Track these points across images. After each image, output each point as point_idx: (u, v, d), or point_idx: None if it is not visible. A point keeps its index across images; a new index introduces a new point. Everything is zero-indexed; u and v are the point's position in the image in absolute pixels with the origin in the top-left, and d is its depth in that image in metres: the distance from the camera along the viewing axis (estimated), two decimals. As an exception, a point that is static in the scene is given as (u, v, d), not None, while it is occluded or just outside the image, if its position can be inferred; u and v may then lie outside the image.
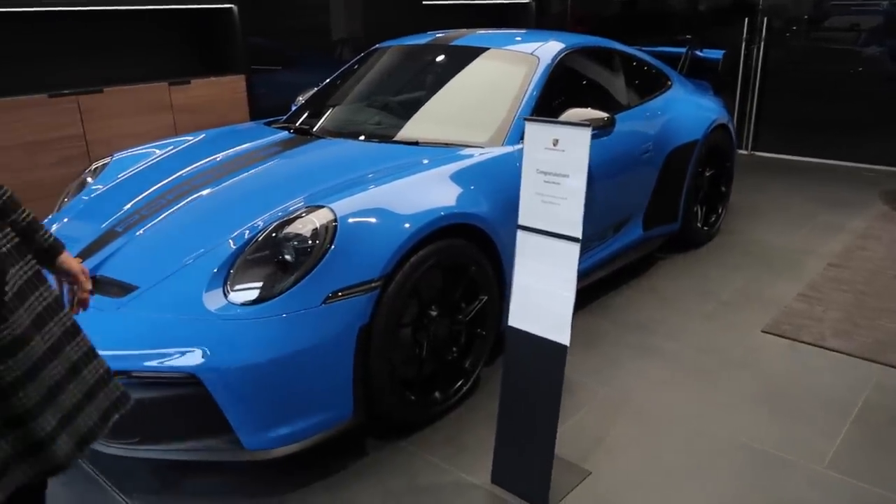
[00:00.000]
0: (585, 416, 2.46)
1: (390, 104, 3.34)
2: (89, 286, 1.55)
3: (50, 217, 2.79)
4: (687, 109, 3.91)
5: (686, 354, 2.89)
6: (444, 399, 2.46)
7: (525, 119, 1.92)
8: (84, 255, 2.32)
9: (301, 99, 3.79)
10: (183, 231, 2.32)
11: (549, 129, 1.85)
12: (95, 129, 4.09)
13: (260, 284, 2.02)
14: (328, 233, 2.08)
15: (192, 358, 1.91)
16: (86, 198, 2.75)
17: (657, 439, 2.32)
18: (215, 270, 2.07)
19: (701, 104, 4.08)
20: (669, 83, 4.04)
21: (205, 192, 2.50)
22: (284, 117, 3.52)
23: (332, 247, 2.05)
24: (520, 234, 1.99)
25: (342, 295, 2.04)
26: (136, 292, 2.09)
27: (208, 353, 1.91)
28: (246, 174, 2.61)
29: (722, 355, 2.87)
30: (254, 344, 1.93)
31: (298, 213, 2.15)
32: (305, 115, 3.41)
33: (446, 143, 2.80)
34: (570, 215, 1.84)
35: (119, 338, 1.98)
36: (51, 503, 1.96)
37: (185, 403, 1.96)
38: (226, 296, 2.01)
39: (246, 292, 2.01)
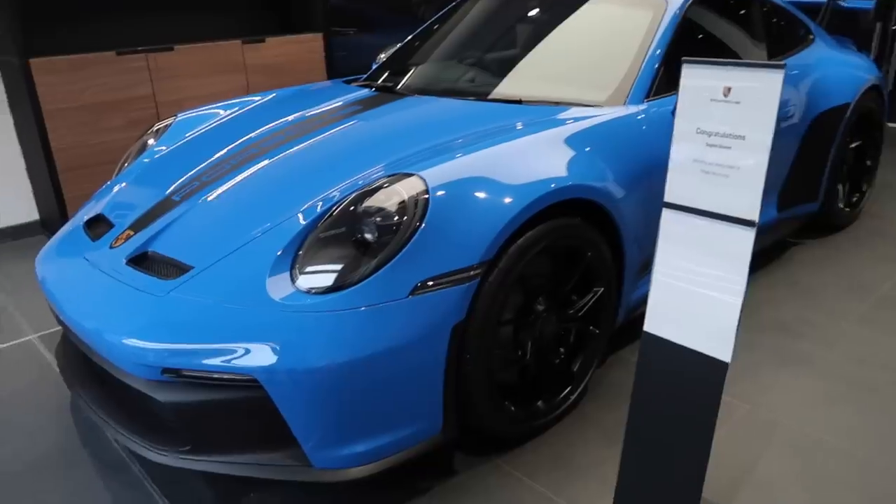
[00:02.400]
0: (725, 441, 1.99)
1: (486, 59, 2.90)
2: None
3: (108, 182, 2.51)
4: (834, 68, 3.28)
5: (844, 366, 2.35)
6: (548, 409, 2.05)
7: (684, 61, 1.45)
8: (136, 226, 2.01)
9: (383, 55, 3.39)
10: (247, 202, 1.96)
11: (719, 74, 1.37)
12: (165, 90, 3.84)
13: (335, 269, 1.64)
14: (418, 207, 1.67)
15: (252, 357, 1.56)
16: (146, 160, 2.45)
17: (824, 478, 1.83)
18: (280, 252, 1.70)
19: (849, 61, 3.44)
20: (811, 37, 3.41)
21: (274, 158, 2.14)
22: (365, 75, 3.13)
23: (423, 225, 1.65)
24: (666, 214, 1.53)
25: (433, 285, 1.64)
26: (190, 273, 1.75)
27: (270, 351, 1.55)
28: (321, 137, 2.23)
29: (893, 369, 2.32)
30: (325, 342, 1.56)
31: (381, 182, 1.76)
32: (389, 71, 3.01)
33: (556, 102, 2.34)
34: (746, 191, 1.36)
35: (168, 328, 1.65)
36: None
37: (242, 410, 1.62)
38: (293, 282, 1.65)
39: (317, 278, 1.64)
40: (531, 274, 1.87)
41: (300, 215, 1.79)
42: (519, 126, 2.11)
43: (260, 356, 1.56)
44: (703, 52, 2.65)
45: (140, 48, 3.74)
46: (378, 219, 1.67)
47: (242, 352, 1.57)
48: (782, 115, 2.89)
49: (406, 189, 1.72)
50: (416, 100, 2.51)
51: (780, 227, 3.16)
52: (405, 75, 2.89)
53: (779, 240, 3.23)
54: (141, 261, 1.89)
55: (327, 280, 1.63)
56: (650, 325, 1.58)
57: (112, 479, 1.92)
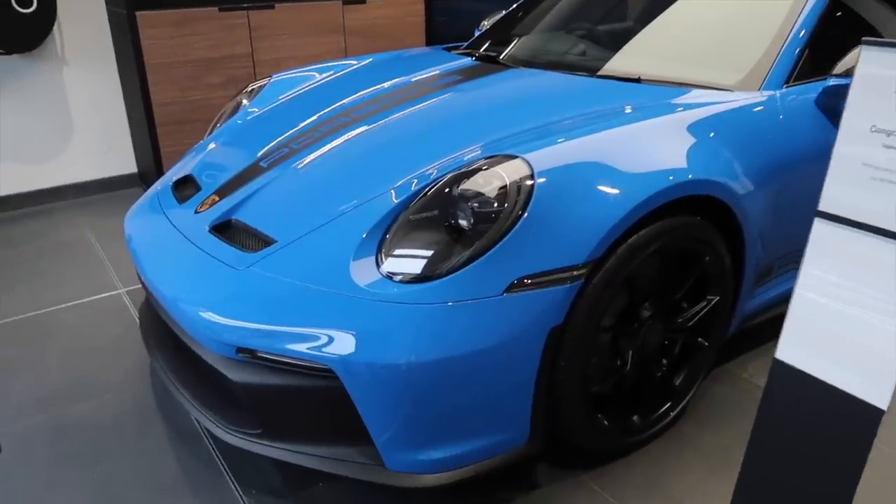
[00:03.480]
0: (866, 490, 1.73)
1: (599, 31, 2.66)
2: None
3: (200, 141, 2.46)
4: None
5: None
6: (644, 426, 1.85)
7: (864, 41, 1.19)
8: (222, 191, 1.93)
9: (486, 23, 3.19)
10: (336, 174, 1.84)
11: (911, 61, 1.11)
12: (264, 49, 3.78)
13: (424, 256, 1.50)
14: (521, 194, 1.50)
15: (330, 346, 1.44)
16: (239, 122, 2.38)
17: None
18: (366, 234, 1.57)
19: None
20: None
21: (367, 127, 2.01)
22: (466, 43, 2.94)
23: (525, 214, 1.48)
24: (819, 225, 1.29)
25: (531, 283, 1.47)
26: (272, 248, 1.65)
27: (350, 341, 1.44)
28: (417, 107, 2.08)
29: None
30: (409, 337, 1.43)
31: (481, 163, 1.59)
32: (492, 40, 2.81)
33: (679, 83, 2.08)
34: (933, 207, 1.11)
35: (245, 305, 1.56)
36: (160, 473, 1.70)
37: (317, 400, 1.52)
38: (378, 267, 1.52)
39: (405, 264, 1.50)
40: (639, 276, 1.67)
41: (392, 193, 1.66)
42: (636, 108, 1.88)
43: (338, 345, 1.44)
44: (843, 39, 2.31)
45: (242, 5, 3.70)
46: (475, 204, 1.51)
47: (320, 339, 1.46)
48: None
49: (508, 173, 1.54)
50: (521, 72, 2.31)
51: None
52: (510, 45, 2.69)
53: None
54: (224, 229, 1.81)
55: (415, 267, 1.49)
56: (785, 353, 1.35)
57: (182, 449, 1.88)
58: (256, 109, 2.43)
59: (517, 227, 1.47)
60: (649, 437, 1.87)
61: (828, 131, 2.05)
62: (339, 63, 2.66)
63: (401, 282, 1.48)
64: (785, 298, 2.21)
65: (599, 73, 2.24)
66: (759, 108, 1.94)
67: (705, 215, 1.75)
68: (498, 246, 1.46)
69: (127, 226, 2.10)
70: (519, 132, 1.77)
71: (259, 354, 1.53)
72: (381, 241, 1.56)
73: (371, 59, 2.68)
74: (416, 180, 1.66)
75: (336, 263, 1.55)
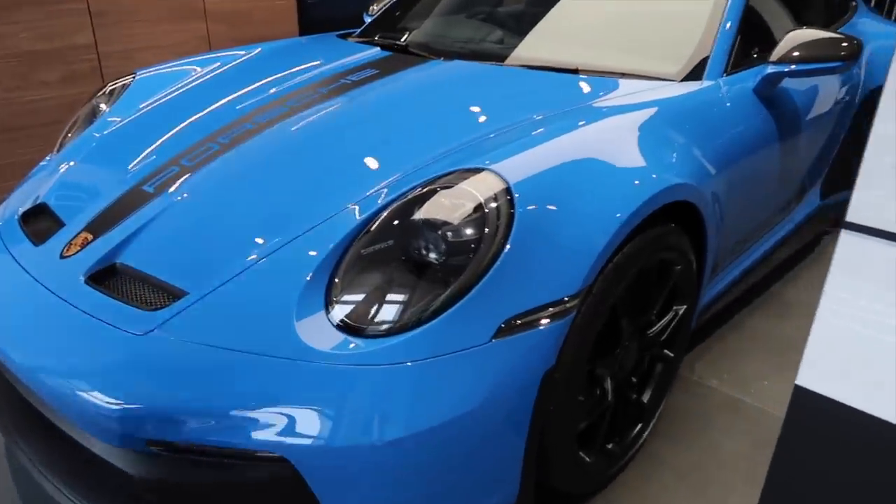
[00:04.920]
0: None
1: (509, 15, 2.44)
2: None
3: (49, 158, 1.97)
4: (883, 40, 2.96)
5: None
6: (621, 452, 1.68)
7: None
8: (95, 227, 1.50)
9: (376, 7, 2.88)
10: (251, 198, 1.48)
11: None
12: (110, 38, 3.20)
13: (391, 300, 1.21)
14: (501, 216, 1.24)
15: (279, 428, 1.12)
16: (97, 134, 1.90)
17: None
18: (309, 277, 1.24)
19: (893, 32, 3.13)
20: (854, 4, 3.08)
21: (277, 136, 1.65)
22: (359, 30, 2.62)
23: (509, 241, 1.23)
24: (846, 237, 1.15)
25: (522, 324, 1.22)
26: (184, 301, 1.28)
27: (306, 421, 1.12)
28: (337, 108, 1.75)
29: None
30: (382, 409, 1.14)
31: (445, 179, 1.32)
32: (391, 27, 2.51)
33: (620, 73, 1.91)
34: None
35: (156, 382, 1.19)
36: None
37: (263, 493, 1.19)
38: (331, 321, 1.20)
39: (364, 313, 1.20)
40: (620, 297, 1.48)
41: (332, 221, 1.34)
42: (591, 105, 1.68)
43: (290, 427, 1.12)
44: (763, 23, 2.27)
45: (77, -14, 3.10)
46: (448, 232, 1.24)
47: (266, 420, 1.13)
48: (840, 93, 2.55)
49: (480, 190, 1.28)
50: (443, 64, 2.04)
51: (819, 218, 2.86)
52: (414, 32, 2.41)
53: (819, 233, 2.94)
54: (106, 278, 1.40)
55: (380, 318, 1.19)
56: (807, 379, 1.21)
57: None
58: (119, 119, 1.96)
59: (501, 257, 1.21)
60: (625, 464, 1.71)
61: (767, 119, 1.98)
62: (221, 55, 2.23)
63: (362, 336, 1.18)
64: (727, 290, 2.15)
65: (530, 63, 2.01)
66: (709, 99, 1.82)
67: (674, 220, 1.59)
68: (482, 283, 1.20)
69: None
70: (472, 139, 1.51)
71: (180, 447, 1.17)
72: (330, 286, 1.24)
73: (260, 49, 2.28)
74: (358, 205, 1.35)
75: (274, 318, 1.21)
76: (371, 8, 2.92)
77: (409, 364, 1.15)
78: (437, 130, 1.58)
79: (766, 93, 1.97)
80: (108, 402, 1.18)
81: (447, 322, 1.17)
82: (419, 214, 1.27)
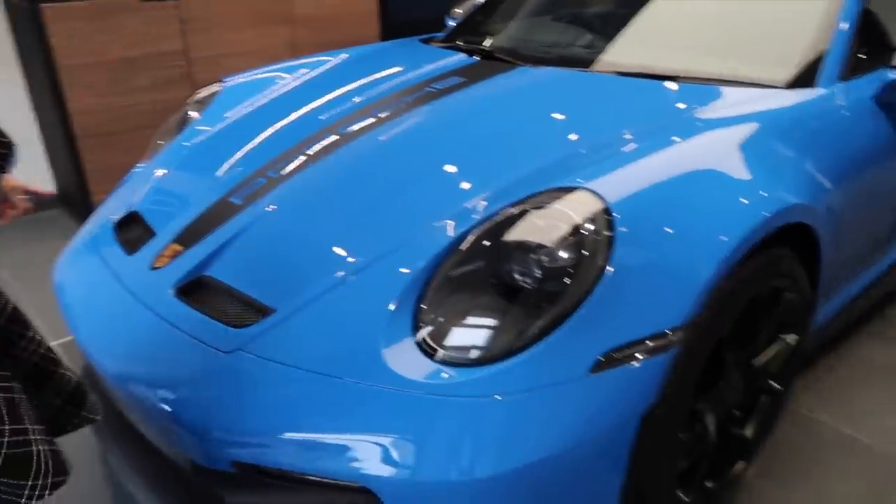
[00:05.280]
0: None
1: (603, 18, 2.33)
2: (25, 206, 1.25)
3: (140, 165, 2.01)
4: None
5: None
6: (719, 489, 1.56)
7: None
8: (185, 238, 1.51)
9: (460, 10, 2.81)
10: (337, 212, 1.45)
11: None
12: (199, 44, 3.28)
13: (483, 326, 1.15)
14: (600, 239, 1.16)
15: (364, 458, 1.08)
16: (187, 143, 1.93)
17: None
18: (392, 306, 1.19)
19: None
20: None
21: (362, 148, 1.62)
22: (444, 34, 2.56)
23: (610, 266, 1.14)
24: None
25: (622, 357, 1.14)
26: (269, 319, 1.25)
27: (391, 451, 1.07)
28: (424, 119, 1.70)
29: None
30: (470, 443, 1.08)
31: (536, 198, 1.24)
32: (477, 32, 2.45)
33: (722, 81, 1.78)
34: None
35: (241, 403, 1.17)
36: None
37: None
38: (420, 347, 1.15)
39: (456, 340, 1.15)
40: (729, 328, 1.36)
41: (420, 239, 1.28)
42: (694, 116, 1.57)
43: (377, 457, 1.08)
44: (878, 24, 2.07)
45: (170, -6, 3.18)
46: (543, 256, 1.16)
47: (352, 449, 1.09)
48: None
49: (576, 210, 1.20)
50: (533, 72, 1.96)
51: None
52: (501, 36, 2.34)
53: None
54: (194, 291, 1.39)
55: (472, 346, 1.13)
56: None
57: None
58: (208, 127, 1.98)
59: (601, 283, 1.13)
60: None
61: (889, 130, 1.80)
62: (307, 61, 2.23)
63: (451, 364, 1.12)
64: (839, 315, 1.98)
65: (625, 69, 1.91)
66: (825, 108, 1.66)
67: (786, 243, 1.46)
68: (580, 311, 1.12)
69: (59, 276, 1.65)
70: (563, 154, 1.43)
71: (264, 470, 1.14)
72: (417, 308, 1.19)
73: (346, 56, 2.26)
74: (451, 223, 1.29)
75: (360, 341, 1.17)
76: (454, 11, 2.87)
77: (500, 397, 1.08)
78: (526, 144, 1.51)
79: (890, 100, 1.80)
80: (193, 420, 1.18)
81: (542, 353, 1.10)
82: (511, 236, 1.20)
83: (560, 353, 1.11)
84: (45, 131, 3.35)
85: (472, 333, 1.15)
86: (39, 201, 3.25)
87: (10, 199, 1.27)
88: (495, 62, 2.06)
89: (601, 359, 1.12)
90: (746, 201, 1.31)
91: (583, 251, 1.15)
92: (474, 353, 1.12)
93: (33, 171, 3.44)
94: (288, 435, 1.12)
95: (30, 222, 3.36)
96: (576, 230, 1.17)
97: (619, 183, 1.27)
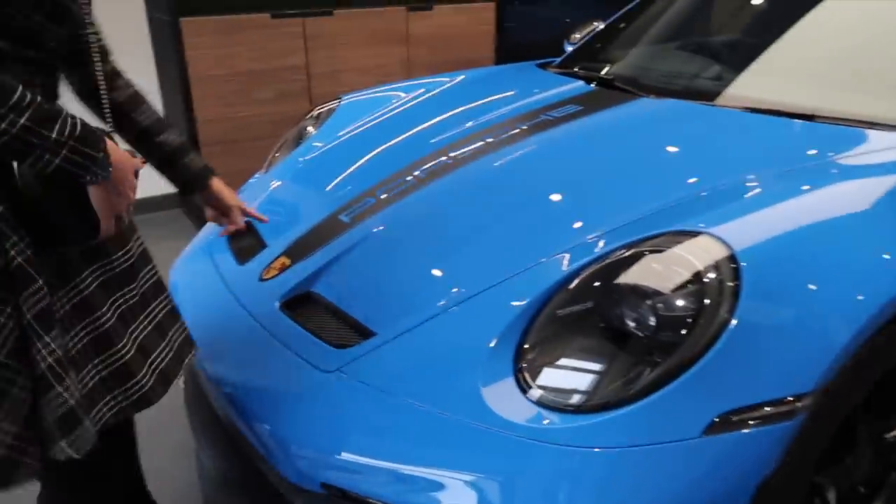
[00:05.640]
0: None
1: (734, 48, 2.22)
2: (241, 223, 1.41)
3: (257, 176, 2.08)
4: None
5: None
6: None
7: None
8: (294, 252, 1.54)
9: (578, 35, 2.76)
10: (444, 238, 1.44)
11: None
12: (319, 60, 3.40)
13: (590, 371, 1.09)
14: (724, 289, 1.08)
15: (450, 494, 1.04)
16: (302, 158, 1.98)
17: None
18: (493, 343, 1.15)
19: None
20: None
21: (473, 174, 1.60)
22: (560, 59, 2.52)
23: (734, 320, 1.05)
24: None
25: (740, 421, 1.04)
26: (370, 343, 1.25)
27: (480, 491, 1.03)
28: (534, 148, 1.66)
29: None
30: (565, 492, 1.02)
31: (653, 241, 1.17)
32: (595, 57, 2.38)
33: (867, 123, 1.63)
34: None
35: (338, 427, 1.16)
36: None
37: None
38: (520, 388, 1.10)
39: (559, 384, 1.09)
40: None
41: (529, 273, 1.24)
42: (834, 161, 1.45)
43: (463, 496, 1.04)
44: None
45: (297, 11, 3.32)
46: (659, 304, 1.09)
47: (444, 484, 1.05)
48: None
49: (698, 256, 1.12)
50: (654, 104, 1.87)
51: None
52: (621, 64, 2.26)
53: None
54: (299, 305, 1.41)
55: (574, 388, 1.08)
56: None
57: None
58: (323, 143, 2.02)
59: (723, 337, 1.05)
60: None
61: None
62: (425, 81, 2.25)
63: (552, 408, 1.07)
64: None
65: (753, 105, 1.79)
66: None
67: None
68: (698, 365, 1.04)
69: (174, 277, 1.73)
70: (687, 194, 1.35)
71: (352, 496, 1.13)
72: (520, 346, 1.15)
73: (463, 77, 2.26)
74: (567, 256, 1.24)
75: (459, 374, 1.14)
76: (572, 36, 2.82)
77: (603, 449, 1.02)
78: (644, 181, 1.44)
79: None
80: (287, 436, 1.18)
81: (652, 407, 1.03)
82: (625, 278, 1.14)
83: (671, 409, 1.03)
84: (174, 136, 3.57)
85: (574, 377, 1.09)
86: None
87: (230, 215, 1.40)
88: (614, 91, 1.99)
89: (717, 420, 1.03)
90: (891, 259, 1.19)
91: (704, 301, 1.07)
92: (575, 398, 1.07)
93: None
94: (378, 462, 1.10)
95: (150, 221, 3.57)
96: (696, 277, 1.09)
97: (747, 230, 1.18)
